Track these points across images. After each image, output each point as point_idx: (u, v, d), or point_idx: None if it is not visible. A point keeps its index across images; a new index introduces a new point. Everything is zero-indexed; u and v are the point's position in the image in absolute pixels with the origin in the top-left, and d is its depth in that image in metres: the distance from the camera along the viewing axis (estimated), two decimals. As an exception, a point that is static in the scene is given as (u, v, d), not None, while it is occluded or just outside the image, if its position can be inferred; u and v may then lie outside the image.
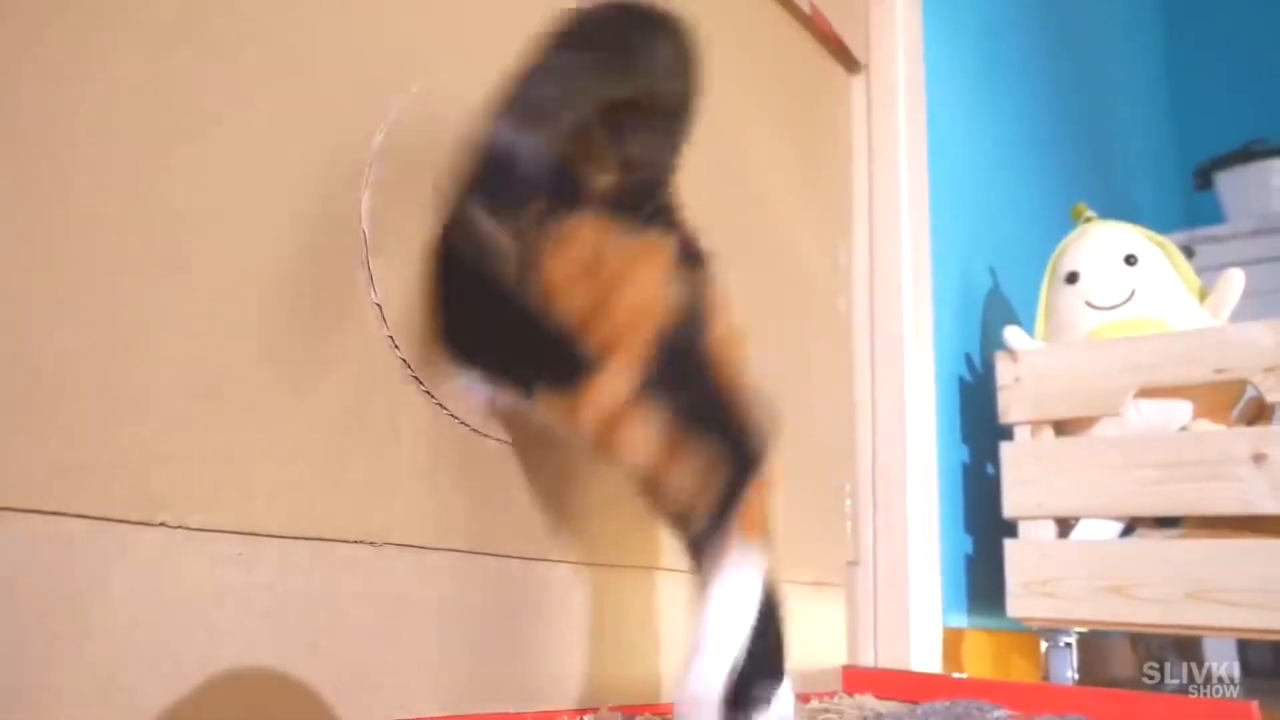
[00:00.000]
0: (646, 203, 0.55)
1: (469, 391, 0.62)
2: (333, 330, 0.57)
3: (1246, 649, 1.75)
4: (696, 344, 0.52)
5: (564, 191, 0.55)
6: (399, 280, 0.61)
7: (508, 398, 0.63)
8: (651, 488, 0.52)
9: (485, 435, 0.66)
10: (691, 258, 0.56)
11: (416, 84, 0.64)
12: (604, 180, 0.55)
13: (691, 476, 0.50)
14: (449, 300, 0.61)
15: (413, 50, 0.65)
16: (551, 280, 0.53)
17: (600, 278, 0.52)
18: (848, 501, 1.16)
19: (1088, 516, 1.23)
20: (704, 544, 0.49)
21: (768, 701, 0.49)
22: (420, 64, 0.65)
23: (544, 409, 0.57)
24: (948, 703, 0.80)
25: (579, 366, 0.53)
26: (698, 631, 0.46)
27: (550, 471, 0.70)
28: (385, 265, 0.60)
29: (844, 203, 1.24)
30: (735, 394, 0.52)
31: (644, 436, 0.50)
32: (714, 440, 0.49)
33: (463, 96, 0.68)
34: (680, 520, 0.52)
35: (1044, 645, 1.27)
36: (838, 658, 1.06)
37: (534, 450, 0.68)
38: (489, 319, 0.58)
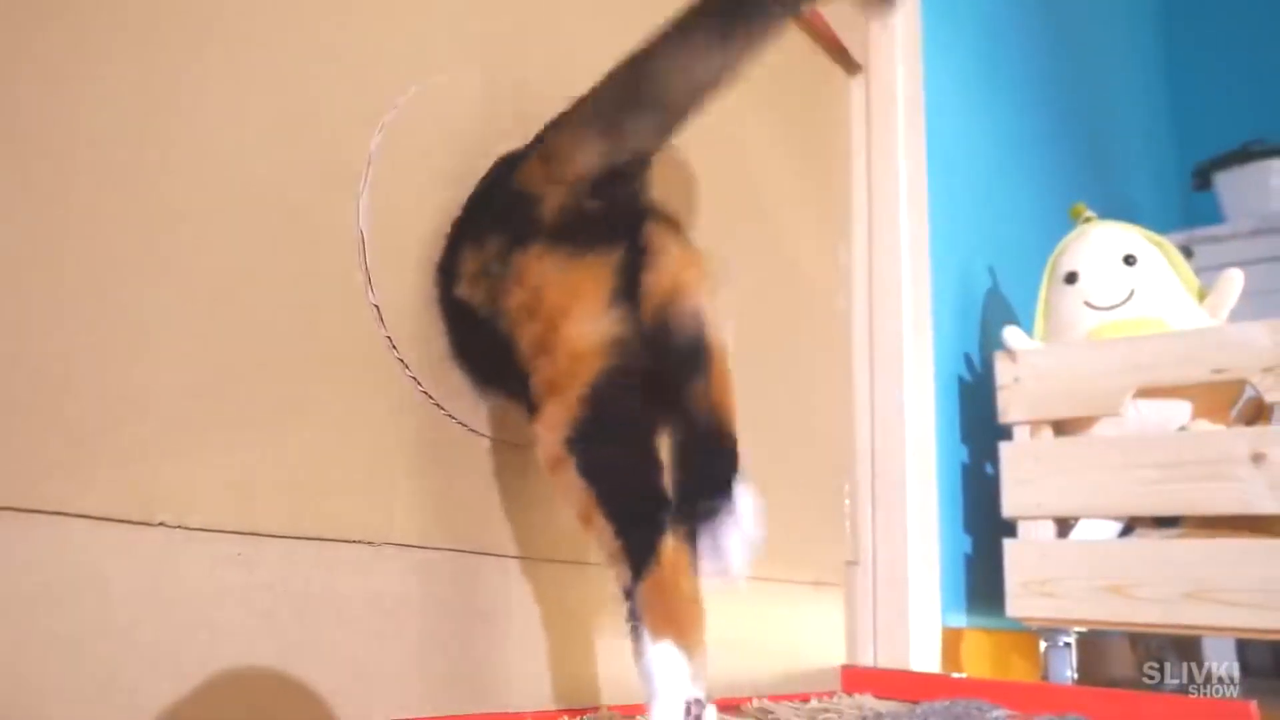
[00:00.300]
0: (598, 212, 0.54)
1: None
2: (331, 331, 0.57)
3: (1246, 649, 1.75)
4: (624, 396, 0.52)
5: (519, 223, 0.55)
6: (397, 281, 0.61)
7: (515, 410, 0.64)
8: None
9: (484, 435, 0.66)
10: (649, 245, 0.55)
11: (414, 85, 0.64)
12: (553, 201, 0.55)
13: (602, 548, 0.51)
14: (454, 322, 0.62)
15: (411, 51, 0.65)
16: (511, 315, 0.55)
17: (541, 316, 0.53)
18: (847, 501, 1.16)
19: (1087, 516, 1.23)
20: (629, 608, 0.49)
21: (718, 511, 0.50)
22: (418, 65, 0.65)
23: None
24: (947, 702, 0.80)
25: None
26: (646, 688, 0.47)
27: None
28: (383, 266, 0.60)
29: (843, 203, 1.24)
30: (645, 471, 0.51)
31: (567, 487, 0.52)
32: (615, 527, 0.49)
33: (461, 97, 0.68)
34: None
35: (1043, 645, 1.27)
36: (837, 657, 1.06)
37: (534, 450, 0.68)
38: (485, 342, 0.59)
